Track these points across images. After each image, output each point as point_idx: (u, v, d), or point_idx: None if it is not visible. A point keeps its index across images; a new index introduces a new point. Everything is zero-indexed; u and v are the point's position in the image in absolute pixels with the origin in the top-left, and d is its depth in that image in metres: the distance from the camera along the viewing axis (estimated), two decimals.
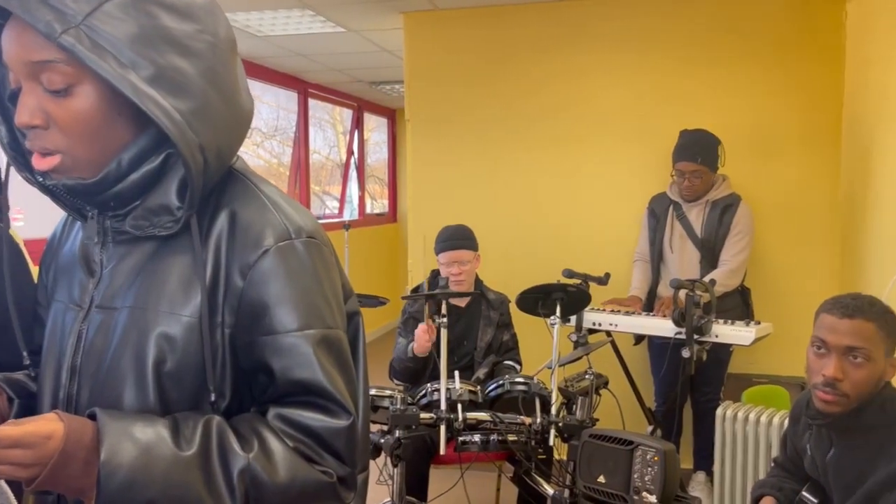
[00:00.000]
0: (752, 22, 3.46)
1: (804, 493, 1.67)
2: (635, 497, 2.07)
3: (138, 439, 0.80)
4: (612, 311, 3.08)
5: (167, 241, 0.92)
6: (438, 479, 2.86)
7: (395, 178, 8.06)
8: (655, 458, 2.07)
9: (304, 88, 6.03)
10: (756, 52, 3.47)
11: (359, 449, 0.92)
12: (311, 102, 6.27)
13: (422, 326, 2.64)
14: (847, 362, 1.48)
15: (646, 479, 2.06)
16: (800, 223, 3.45)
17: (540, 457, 2.55)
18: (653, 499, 2.03)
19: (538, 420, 2.31)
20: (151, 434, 0.81)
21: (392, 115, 8.00)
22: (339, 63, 5.34)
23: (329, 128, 7.58)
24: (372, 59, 5.18)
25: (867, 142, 2.97)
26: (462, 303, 2.97)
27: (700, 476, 3.27)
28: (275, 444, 0.86)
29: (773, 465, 1.92)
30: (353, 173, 7.32)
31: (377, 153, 8.21)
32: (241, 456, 0.83)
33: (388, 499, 2.37)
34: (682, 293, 2.72)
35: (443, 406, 2.26)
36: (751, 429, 2.68)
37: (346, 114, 7.30)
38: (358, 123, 7.26)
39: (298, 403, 0.89)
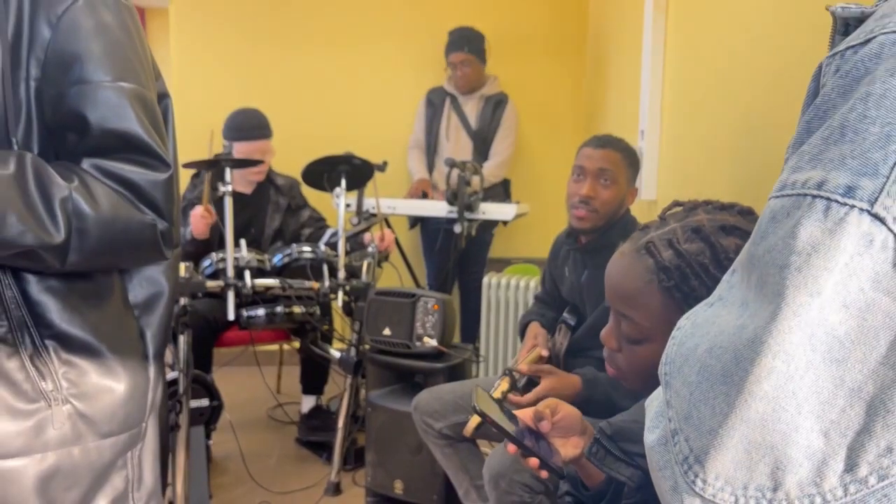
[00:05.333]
0: None
1: (565, 315, 1.96)
2: (417, 343, 2.26)
3: None
4: (392, 196, 3.25)
5: None
6: (223, 364, 2.84)
7: None
8: (435, 307, 2.27)
9: None
10: None
11: (176, 207, 0.93)
12: None
13: (197, 209, 2.55)
14: (598, 184, 1.77)
15: (427, 326, 2.26)
16: (551, 117, 3.88)
17: (325, 327, 2.65)
18: (433, 342, 2.24)
19: (327, 284, 2.40)
20: None
21: (141, 15, 7.28)
22: None
23: None
24: None
25: (607, 42, 3.41)
26: (248, 189, 2.91)
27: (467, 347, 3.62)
28: (94, 183, 0.84)
29: (534, 300, 2.22)
30: None
31: None
32: (62, 185, 0.81)
33: (175, 372, 2.31)
34: (455, 174, 2.95)
35: (230, 272, 2.24)
36: (511, 293, 3.03)
37: None
38: None
39: (115, 157, 0.87)
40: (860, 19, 0.50)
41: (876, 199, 0.42)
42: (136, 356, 0.94)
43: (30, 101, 0.85)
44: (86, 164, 0.86)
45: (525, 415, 1.11)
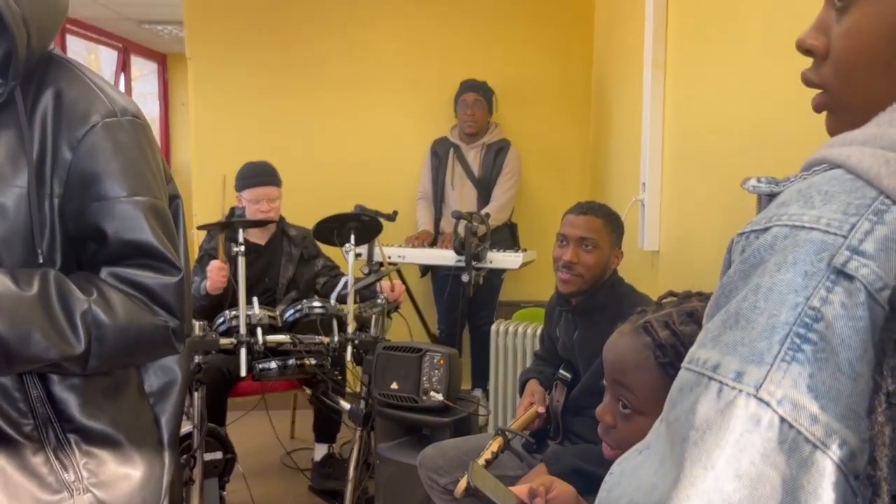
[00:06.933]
0: None
1: (560, 371, 2.03)
2: (424, 397, 2.32)
3: None
4: (400, 245, 3.34)
5: None
6: (238, 413, 2.91)
7: (168, 131, 7.60)
8: (441, 362, 2.33)
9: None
10: (520, 11, 3.87)
11: (187, 305, 1.01)
12: (70, 43, 5.69)
13: (214, 263, 2.64)
14: (581, 249, 1.85)
15: (433, 380, 2.32)
16: (558, 165, 3.97)
17: (336, 377, 2.72)
18: (439, 396, 2.30)
19: (336, 338, 2.47)
20: None
21: (163, 61, 7.50)
22: None
23: None
24: None
25: (610, 95, 3.49)
26: (262, 240, 3.01)
27: (477, 392, 3.67)
28: (111, 292, 0.92)
29: (534, 357, 2.28)
30: None
31: (144, 107, 7.63)
32: (82, 299, 0.89)
33: (190, 425, 2.39)
34: (462, 225, 3.03)
35: (242, 330, 2.32)
36: (519, 341, 3.08)
37: (109, 58, 6.71)
38: (124, 67, 6.73)
39: (130, 264, 0.95)
40: (777, 194, 0.55)
41: (761, 385, 0.48)
42: (151, 443, 1.02)
43: (54, 217, 0.94)
44: (104, 272, 0.95)
45: (520, 491, 1.17)
